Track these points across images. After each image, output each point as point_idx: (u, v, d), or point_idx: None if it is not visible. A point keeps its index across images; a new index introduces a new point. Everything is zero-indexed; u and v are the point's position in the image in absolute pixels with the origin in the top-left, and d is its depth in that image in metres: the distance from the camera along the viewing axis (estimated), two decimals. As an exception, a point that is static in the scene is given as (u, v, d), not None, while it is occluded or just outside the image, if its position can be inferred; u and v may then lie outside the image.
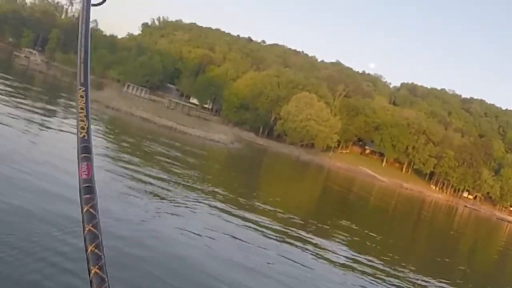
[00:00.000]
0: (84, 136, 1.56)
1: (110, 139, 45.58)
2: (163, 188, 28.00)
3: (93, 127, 48.45)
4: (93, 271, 1.30)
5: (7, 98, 46.74)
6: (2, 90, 52.22)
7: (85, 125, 1.59)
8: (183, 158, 46.66)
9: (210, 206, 27.29)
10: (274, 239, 24.82)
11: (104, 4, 2.09)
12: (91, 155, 1.55)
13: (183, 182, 32.02)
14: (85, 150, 1.54)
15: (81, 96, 1.65)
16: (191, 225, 21.98)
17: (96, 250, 1.34)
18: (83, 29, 1.78)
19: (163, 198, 25.62)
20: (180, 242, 19.21)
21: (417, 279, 26.26)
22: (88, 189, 1.45)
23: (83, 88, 1.67)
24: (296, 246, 24.72)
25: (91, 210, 1.40)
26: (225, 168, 57.41)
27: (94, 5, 1.98)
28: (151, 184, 28.15)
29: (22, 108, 43.36)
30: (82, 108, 1.62)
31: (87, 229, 1.37)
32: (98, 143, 39.00)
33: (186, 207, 25.34)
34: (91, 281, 1.29)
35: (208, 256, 18.65)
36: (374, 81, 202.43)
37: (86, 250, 1.34)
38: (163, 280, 14.72)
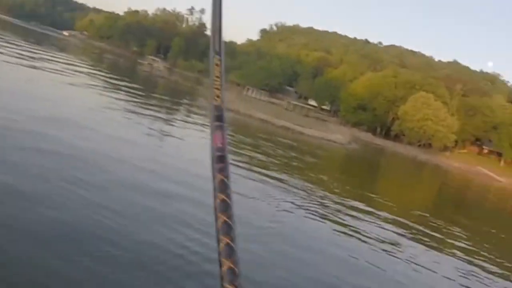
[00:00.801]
0: (218, 104, 1.54)
1: (229, 139, 48.99)
2: (279, 188, 27.97)
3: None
4: (224, 241, 1.28)
5: (135, 100, 50.70)
6: (129, 93, 56.69)
7: (220, 93, 1.55)
8: (300, 158, 48.59)
9: (325, 206, 27.01)
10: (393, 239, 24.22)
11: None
12: (224, 123, 1.52)
13: (299, 183, 31.94)
14: (218, 118, 1.50)
15: (216, 65, 1.62)
16: (314, 226, 22.12)
17: (228, 221, 1.31)
18: None
19: (281, 198, 25.11)
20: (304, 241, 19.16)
21: None
22: (221, 158, 1.42)
23: (218, 57, 1.63)
24: (413, 247, 24.11)
25: (224, 179, 1.38)
26: (342, 168, 59.63)
27: None
28: (265, 183, 28.07)
29: (149, 108, 47.45)
30: (217, 76, 1.59)
31: (220, 198, 1.34)
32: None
33: (303, 207, 24.82)
34: (219, 252, 1.26)
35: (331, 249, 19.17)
36: (492, 79, 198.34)
37: (217, 221, 1.32)
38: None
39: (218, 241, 1.27)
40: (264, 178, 29.18)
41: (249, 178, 27.07)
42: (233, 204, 1.34)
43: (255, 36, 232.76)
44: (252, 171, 30.06)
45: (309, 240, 19.61)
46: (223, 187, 1.36)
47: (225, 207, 1.32)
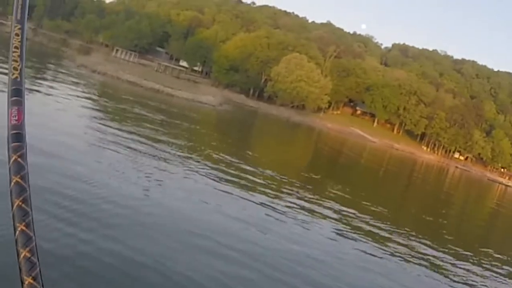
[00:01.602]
0: (16, 77, 1.43)
1: (93, 103, 44.75)
2: (149, 155, 27.02)
3: (79, 91, 48.12)
4: (19, 228, 1.20)
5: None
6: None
7: (18, 65, 1.45)
8: (170, 121, 45.97)
9: (197, 171, 26.51)
10: (266, 200, 24.53)
11: None
12: (23, 99, 1.41)
13: (170, 148, 31.17)
14: (16, 93, 1.40)
15: (16, 34, 1.49)
16: (185, 188, 21.92)
17: (23, 205, 1.22)
18: None
19: (150, 166, 24.71)
20: (176, 206, 19.05)
21: (408, 240, 25.99)
22: (17, 136, 1.32)
23: (19, 26, 1.50)
24: (287, 207, 24.33)
25: (19, 159, 1.28)
26: (213, 131, 56.61)
27: None
28: (133, 149, 27.33)
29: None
30: (16, 47, 1.48)
31: (13, 181, 1.25)
32: (79, 105, 38.36)
33: (176, 173, 25.01)
34: (16, 240, 1.19)
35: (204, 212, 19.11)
36: (365, 42, 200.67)
37: (13, 205, 1.22)
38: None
39: (14, 229, 1.20)
40: (132, 145, 28.26)
41: (117, 145, 26.59)
42: (29, 186, 1.26)
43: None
44: (119, 138, 29.06)
45: (189, 195, 20.71)
46: (18, 168, 1.27)
47: (19, 191, 1.24)
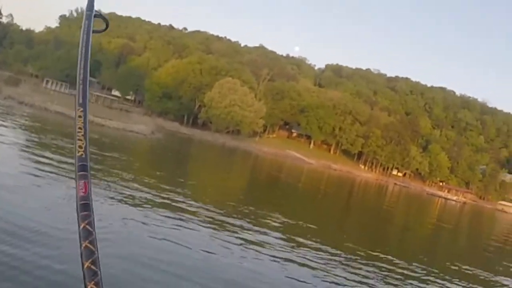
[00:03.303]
0: (82, 155, 1.57)
1: (18, 136, 42.14)
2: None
3: (1, 122, 45.48)
4: (89, 287, 1.32)
5: None
6: None
7: (83, 144, 1.59)
8: (99, 152, 42.99)
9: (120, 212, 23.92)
10: (204, 231, 23.55)
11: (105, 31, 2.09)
12: (88, 173, 1.55)
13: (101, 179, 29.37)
14: (82, 168, 1.54)
15: (79, 116, 1.66)
16: (114, 225, 20.40)
17: (92, 266, 1.35)
18: (83, 52, 1.79)
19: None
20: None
21: (351, 259, 25.19)
22: (85, 206, 1.45)
23: (81, 109, 1.68)
24: (225, 239, 23.04)
25: (87, 227, 1.41)
26: (144, 162, 53.87)
27: (95, 31, 2.00)
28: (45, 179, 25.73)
29: None
30: (80, 128, 1.63)
31: (83, 245, 1.38)
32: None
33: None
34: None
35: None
36: (299, 63, 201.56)
37: (83, 266, 1.36)
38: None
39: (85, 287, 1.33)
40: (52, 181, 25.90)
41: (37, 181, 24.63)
42: (97, 249, 1.40)
43: (54, 24, 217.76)
44: (43, 173, 27.02)
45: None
46: (87, 234, 1.40)
47: (89, 254, 1.37)
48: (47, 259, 14.28)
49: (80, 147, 1.59)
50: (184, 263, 17.76)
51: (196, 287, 15.88)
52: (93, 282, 1.32)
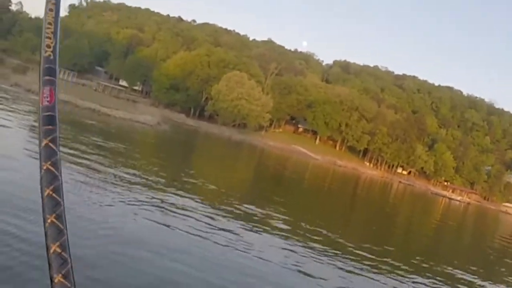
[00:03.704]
0: (49, 55, 1.36)
1: (23, 123, 42.32)
2: (78, 181, 24.67)
3: (7, 111, 45.60)
4: (49, 220, 1.14)
5: None
6: None
7: (51, 43, 1.37)
8: (104, 142, 43.59)
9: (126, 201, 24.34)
10: (209, 223, 23.47)
11: None
12: (56, 78, 1.34)
13: (103, 170, 29.25)
14: (49, 72, 1.33)
15: (50, 10, 1.42)
16: (122, 211, 21.26)
17: (54, 195, 1.17)
18: None
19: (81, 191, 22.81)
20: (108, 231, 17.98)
21: (355, 256, 25.32)
22: (49, 118, 1.25)
23: (53, 1, 1.43)
24: (230, 230, 23.26)
25: (50, 144, 1.21)
26: (148, 153, 53.54)
27: None
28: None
29: None
30: (49, 24, 1.40)
31: (44, 167, 1.18)
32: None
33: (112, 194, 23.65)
34: (46, 233, 1.13)
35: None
36: (307, 59, 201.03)
37: (42, 195, 1.16)
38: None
39: (44, 220, 1.14)
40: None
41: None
42: (61, 174, 1.20)
43: (63, 12, 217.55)
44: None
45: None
46: (49, 154, 1.20)
47: (50, 179, 1.17)
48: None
49: (48, 46, 1.36)
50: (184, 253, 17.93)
51: (192, 272, 16.12)
52: (54, 215, 1.15)
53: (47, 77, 1.32)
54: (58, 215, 1.13)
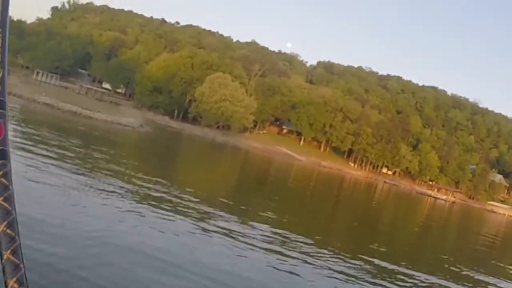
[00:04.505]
0: None
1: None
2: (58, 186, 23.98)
3: None
4: (5, 256, 1.09)
5: None
6: None
7: None
8: (86, 145, 43.12)
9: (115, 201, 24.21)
10: (194, 226, 23.22)
11: None
12: (5, 110, 1.23)
13: (82, 173, 28.60)
14: None
15: None
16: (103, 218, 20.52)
17: (8, 230, 1.10)
18: None
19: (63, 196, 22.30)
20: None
21: (340, 256, 24.97)
22: (0, 153, 1.16)
23: (0, 29, 1.30)
24: (215, 233, 22.89)
25: (2, 179, 1.13)
26: (133, 155, 53.16)
27: None
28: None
29: None
30: None
31: None
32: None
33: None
34: (3, 268, 1.08)
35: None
36: (290, 60, 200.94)
37: None
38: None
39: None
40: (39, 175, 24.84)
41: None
42: (14, 208, 1.14)
43: (46, 15, 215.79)
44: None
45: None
46: (1, 189, 1.13)
47: (4, 214, 1.12)
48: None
49: None
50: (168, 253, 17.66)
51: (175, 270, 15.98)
52: (9, 250, 1.10)
53: None
54: (14, 250, 1.11)
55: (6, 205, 1.10)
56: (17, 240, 1.10)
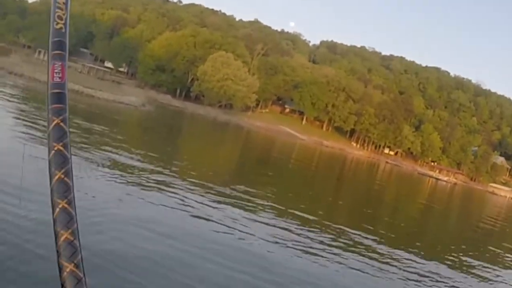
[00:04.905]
0: (61, 28, 1.26)
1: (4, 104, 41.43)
2: None
3: None
4: (60, 206, 1.03)
5: None
6: None
7: (63, 14, 1.27)
8: (86, 123, 42.49)
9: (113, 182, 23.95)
10: (198, 204, 23.33)
11: None
12: (66, 53, 1.24)
13: (85, 152, 28.38)
14: (59, 46, 1.23)
15: None
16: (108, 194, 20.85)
17: (65, 178, 1.05)
18: None
19: None
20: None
21: (343, 233, 25.58)
22: (59, 97, 1.14)
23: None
24: (218, 209, 23.33)
25: (61, 124, 1.10)
26: (133, 134, 53.58)
27: None
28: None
29: None
30: None
31: (54, 149, 1.07)
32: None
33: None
34: (55, 219, 1.02)
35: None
36: (293, 39, 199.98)
37: (51, 179, 1.05)
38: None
39: (53, 205, 1.03)
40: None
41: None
42: (71, 156, 1.09)
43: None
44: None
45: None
46: (60, 134, 1.09)
47: (61, 161, 1.05)
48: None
49: (59, 18, 1.25)
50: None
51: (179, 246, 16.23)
52: (65, 201, 1.03)
53: (58, 52, 1.20)
54: (69, 200, 1.04)
55: (64, 151, 1.07)
56: (72, 193, 1.05)
